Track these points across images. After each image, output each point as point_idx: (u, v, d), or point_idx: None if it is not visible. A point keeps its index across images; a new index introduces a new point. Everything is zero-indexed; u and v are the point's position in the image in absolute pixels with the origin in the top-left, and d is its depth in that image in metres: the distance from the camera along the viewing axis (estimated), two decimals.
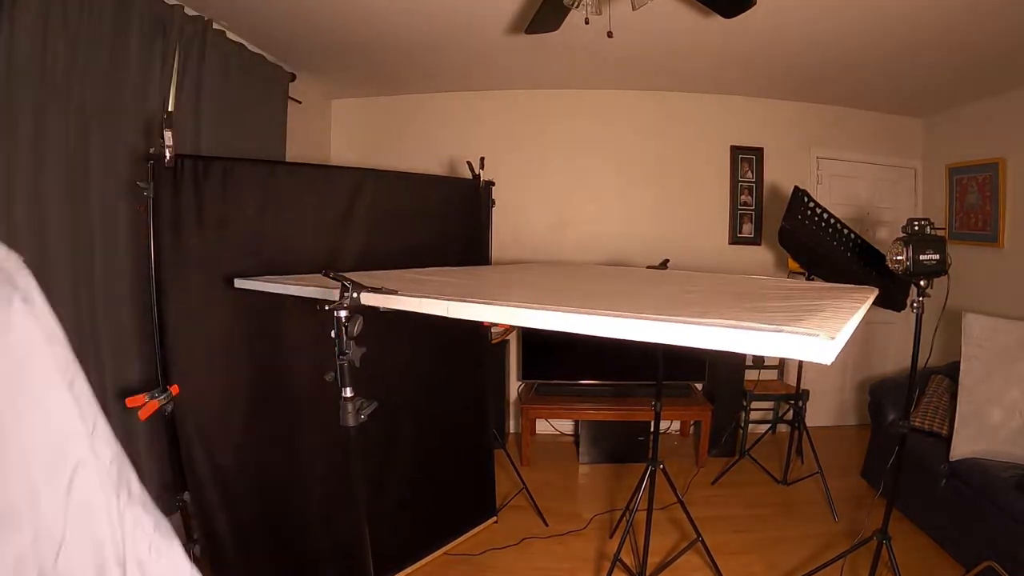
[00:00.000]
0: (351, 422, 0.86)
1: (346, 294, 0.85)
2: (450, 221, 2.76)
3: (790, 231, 3.12)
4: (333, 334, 0.86)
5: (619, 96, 4.17)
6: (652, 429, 2.49)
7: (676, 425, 4.34)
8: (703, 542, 2.55)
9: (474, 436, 2.93)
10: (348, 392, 0.87)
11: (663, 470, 2.43)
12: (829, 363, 0.51)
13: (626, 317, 0.63)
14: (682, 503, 2.46)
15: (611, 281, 1.40)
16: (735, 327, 0.56)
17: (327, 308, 0.87)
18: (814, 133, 4.28)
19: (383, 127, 4.31)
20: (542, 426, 4.24)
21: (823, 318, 0.58)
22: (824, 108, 4.24)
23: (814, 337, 0.51)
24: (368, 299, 0.87)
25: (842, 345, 0.54)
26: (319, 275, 0.84)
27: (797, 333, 0.52)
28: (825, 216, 3.02)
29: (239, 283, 1.43)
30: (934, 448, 2.85)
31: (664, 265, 2.74)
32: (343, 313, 0.85)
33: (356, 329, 0.87)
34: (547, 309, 0.70)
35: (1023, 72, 3.15)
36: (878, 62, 3.23)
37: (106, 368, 2.12)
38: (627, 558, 2.56)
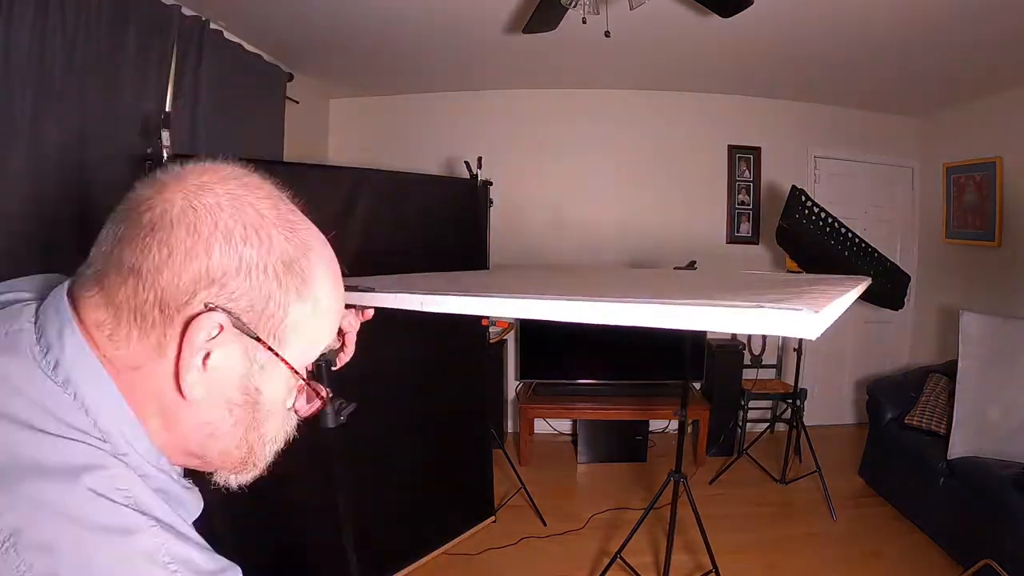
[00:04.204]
0: (331, 423, 0.85)
1: None
2: (448, 221, 2.76)
3: (788, 230, 3.12)
4: None
5: (617, 95, 4.17)
6: (677, 438, 2.45)
7: (674, 424, 4.34)
8: (707, 543, 2.54)
9: (472, 436, 2.93)
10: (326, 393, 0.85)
11: (685, 483, 2.37)
12: (814, 337, 0.50)
13: (601, 301, 0.61)
14: (697, 516, 2.41)
15: (604, 277, 1.40)
16: (715, 306, 0.55)
17: None
18: (812, 132, 4.28)
19: (381, 127, 4.31)
20: (540, 426, 4.24)
21: (810, 298, 0.57)
22: (822, 108, 4.24)
23: (797, 312, 0.50)
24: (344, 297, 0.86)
25: (828, 322, 0.52)
26: None
27: (779, 308, 0.51)
28: (823, 215, 3.03)
29: None
30: (932, 447, 2.85)
31: (692, 266, 2.73)
32: None
33: None
34: (519, 298, 0.69)
35: (1020, 71, 3.16)
36: (875, 61, 3.23)
37: None
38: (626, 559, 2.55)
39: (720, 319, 0.54)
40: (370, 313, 0.87)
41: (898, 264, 3.37)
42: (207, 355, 0.46)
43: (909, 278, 3.37)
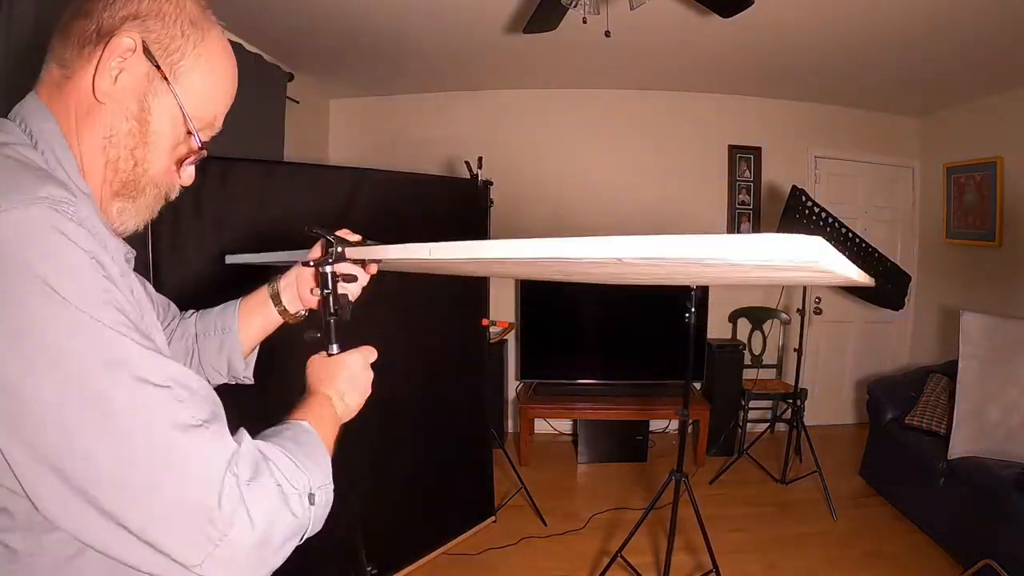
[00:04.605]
0: None
1: (331, 249, 0.86)
2: (448, 221, 2.76)
3: (788, 230, 3.12)
4: (323, 292, 0.87)
5: (617, 95, 4.17)
6: (679, 436, 2.45)
7: (674, 424, 4.34)
8: (708, 543, 2.54)
9: (473, 436, 2.93)
10: (335, 349, 0.87)
11: (686, 482, 2.36)
12: (822, 267, 0.48)
13: (608, 240, 0.61)
14: (699, 515, 2.41)
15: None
16: (719, 237, 0.54)
17: (312, 265, 0.88)
18: (812, 132, 4.28)
19: (381, 127, 4.31)
20: (541, 426, 4.24)
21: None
22: (822, 107, 4.24)
23: (806, 240, 0.48)
24: (353, 252, 0.88)
25: (836, 260, 0.50)
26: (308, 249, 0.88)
27: (787, 238, 0.49)
28: (823, 215, 3.04)
29: (230, 259, 1.45)
30: (933, 447, 2.85)
31: None
32: (328, 269, 0.85)
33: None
34: (527, 241, 0.71)
35: (1020, 71, 3.16)
36: (875, 62, 3.23)
37: None
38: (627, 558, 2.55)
39: (727, 248, 0.54)
40: (373, 268, 0.96)
41: (898, 264, 3.37)
42: (120, 72, 0.63)
43: (909, 278, 3.37)
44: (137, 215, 0.69)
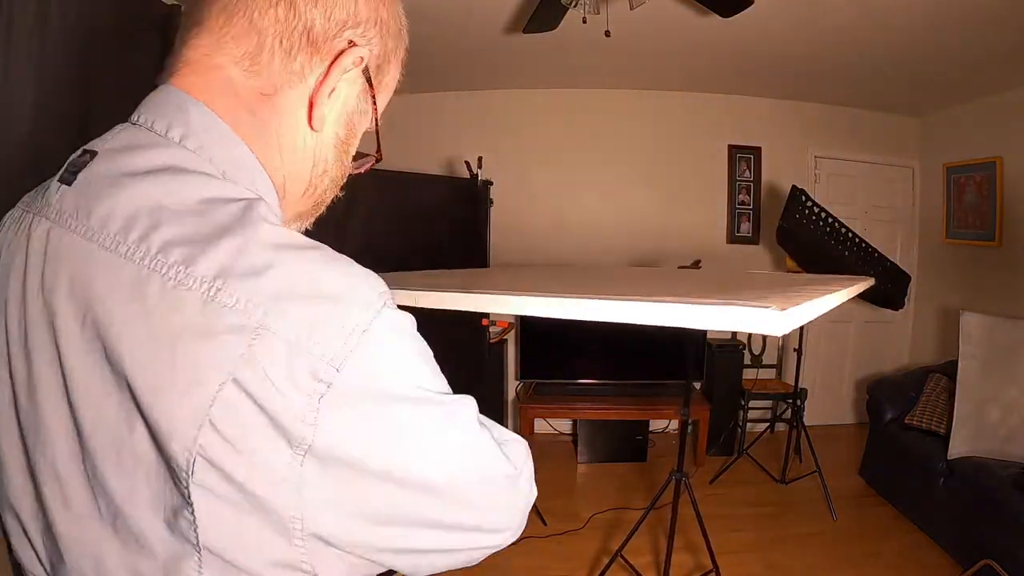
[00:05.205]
0: None
1: None
2: (448, 221, 2.76)
3: (788, 230, 3.12)
4: None
5: (617, 95, 4.17)
6: (679, 436, 2.46)
7: (674, 424, 4.34)
8: (708, 543, 2.54)
9: None
10: None
11: (686, 482, 2.37)
12: (779, 335, 0.52)
13: (577, 298, 0.64)
14: (699, 515, 2.40)
15: (603, 276, 1.41)
16: (682, 303, 0.56)
17: None
18: (812, 132, 4.28)
19: (380, 126, 4.30)
20: (540, 426, 4.24)
21: (788, 297, 0.57)
22: (822, 107, 4.24)
23: (765, 309, 0.51)
24: None
25: (797, 320, 0.52)
26: None
27: (747, 306, 0.52)
28: (823, 215, 3.03)
29: None
30: (932, 447, 2.85)
31: (697, 265, 2.73)
32: None
33: None
34: (494, 294, 0.73)
35: (1021, 70, 3.16)
36: (876, 61, 3.24)
37: None
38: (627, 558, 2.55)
39: (688, 316, 0.56)
40: None
41: (898, 264, 3.37)
42: (333, 89, 0.50)
43: (909, 278, 3.37)
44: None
